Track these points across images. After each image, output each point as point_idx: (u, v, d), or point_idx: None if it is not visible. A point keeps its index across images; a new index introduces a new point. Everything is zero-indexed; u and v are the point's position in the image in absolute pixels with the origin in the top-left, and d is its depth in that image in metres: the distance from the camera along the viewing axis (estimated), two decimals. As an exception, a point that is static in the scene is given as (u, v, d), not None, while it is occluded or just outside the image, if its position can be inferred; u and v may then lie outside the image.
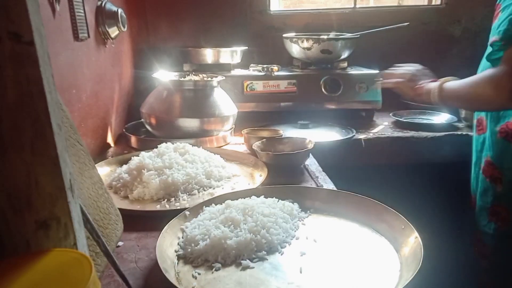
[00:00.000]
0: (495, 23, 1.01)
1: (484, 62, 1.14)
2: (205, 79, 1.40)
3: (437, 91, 1.16)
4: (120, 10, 1.30)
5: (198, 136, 1.28)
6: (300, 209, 0.84)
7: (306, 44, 1.67)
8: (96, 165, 0.75)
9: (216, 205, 0.82)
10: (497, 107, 1.07)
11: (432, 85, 1.20)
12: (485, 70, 1.07)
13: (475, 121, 1.23)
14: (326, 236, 0.75)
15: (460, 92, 1.12)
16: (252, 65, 1.74)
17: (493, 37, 1.00)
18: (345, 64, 1.79)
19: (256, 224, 0.72)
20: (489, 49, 1.05)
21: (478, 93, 1.04)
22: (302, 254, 0.69)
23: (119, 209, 0.75)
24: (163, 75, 1.40)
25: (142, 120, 1.38)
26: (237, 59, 1.72)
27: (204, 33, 1.94)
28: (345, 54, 1.72)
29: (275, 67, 1.64)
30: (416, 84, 1.26)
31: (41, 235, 0.40)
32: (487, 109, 1.14)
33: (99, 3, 1.24)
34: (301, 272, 0.64)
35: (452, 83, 1.15)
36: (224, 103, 1.36)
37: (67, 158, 0.41)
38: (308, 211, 0.84)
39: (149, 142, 1.24)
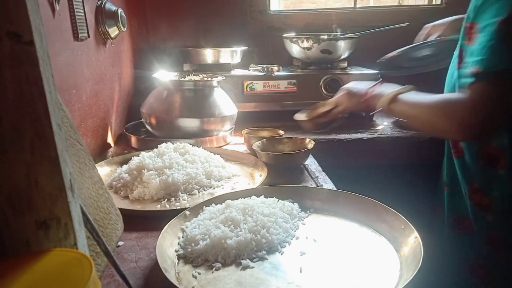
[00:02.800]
0: (473, 46, 0.83)
1: (450, 75, 1.00)
2: (205, 79, 1.40)
3: (389, 98, 1.01)
4: (120, 10, 1.30)
5: (198, 136, 1.28)
6: (300, 209, 0.84)
7: (306, 44, 1.67)
8: (96, 165, 0.75)
9: (216, 205, 0.82)
10: (452, 138, 0.99)
11: (384, 90, 1.06)
12: (448, 94, 0.96)
13: (450, 142, 1.08)
14: (326, 236, 0.75)
15: (414, 111, 0.97)
16: (252, 65, 1.74)
17: (475, 67, 0.81)
18: (345, 64, 1.78)
19: (256, 224, 0.72)
20: (462, 72, 0.87)
21: (433, 121, 0.91)
22: (302, 254, 0.69)
23: (120, 209, 0.75)
24: (163, 75, 1.40)
25: (142, 120, 1.38)
26: (237, 59, 1.72)
27: (204, 33, 1.94)
28: (345, 54, 1.72)
29: (275, 67, 1.64)
30: (363, 91, 1.13)
31: (41, 235, 0.39)
32: (440, 137, 1.05)
33: (99, 3, 1.24)
34: (301, 272, 0.65)
35: (408, 96, 0.99)
36: (224, 103, 1.36)
37: (67, 158, 0.41)
38: (308, 211, 0.84)
39: (149, 142, 1.24)
